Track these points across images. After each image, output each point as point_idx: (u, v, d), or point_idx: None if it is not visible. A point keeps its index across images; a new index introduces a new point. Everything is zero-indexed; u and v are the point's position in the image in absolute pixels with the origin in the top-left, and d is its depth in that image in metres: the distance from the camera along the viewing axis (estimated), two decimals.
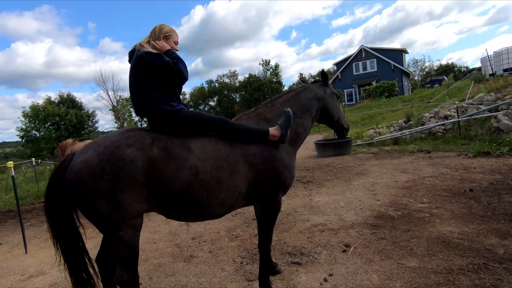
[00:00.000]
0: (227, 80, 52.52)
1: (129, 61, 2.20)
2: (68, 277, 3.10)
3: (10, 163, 3.94)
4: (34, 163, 9.50)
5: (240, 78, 51.52)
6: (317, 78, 2.92)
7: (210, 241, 3.75)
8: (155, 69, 2.04)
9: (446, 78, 29.43)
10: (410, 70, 39.48)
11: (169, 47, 2.18)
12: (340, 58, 36.01)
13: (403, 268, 2.59)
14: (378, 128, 12.15)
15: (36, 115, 28.48)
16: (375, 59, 32.29)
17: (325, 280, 2.55)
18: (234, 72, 54.04)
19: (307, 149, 11.52)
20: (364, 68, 33.07)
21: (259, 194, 2.25)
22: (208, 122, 2.14)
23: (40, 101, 30.17)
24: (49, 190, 1.93)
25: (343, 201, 4.69)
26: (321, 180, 6.37)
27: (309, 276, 2.66)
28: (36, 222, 5.77)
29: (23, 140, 29.01)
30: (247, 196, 2.22)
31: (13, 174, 4.05)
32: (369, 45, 33.99)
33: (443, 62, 55.47)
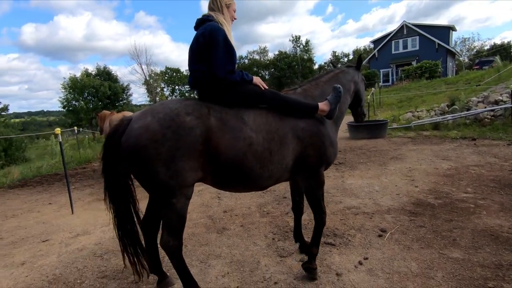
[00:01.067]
0: (257, 57, 51.57)
1: (195, 28, 2.16)
2: (112, 238, 3.34)
3: (58, 130, 4.19)
4: (76, 131, 10.13)
5: (271, 55, 50.33)
6: (349, 63, 2.98)
7: (241, 215, 3.81)
8: (219, 45, 1.99)
9: (498, 59, 26.69)
10: (457, 50, 36.13)
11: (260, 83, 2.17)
12: (378, 35, 33.72)
13: (445, 259, 2.47)
14: (417, 111, 11.42)
15: (75, 86, 30.01)
16: (417, 37, 29.84)
17: (360, 263, 2.50)
18: (264, 48, 52.72)
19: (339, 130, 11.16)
20: (405, 46, 30.76)
21: (304, 168, 2.26)
22: (260, 94, 2.15)
23: (78, 73, 31.67)
24: (105, 155, 1.99)
25: (377, 185, 4.53)
26: (354, 162, 6.18)
27: (343, 257, 2.62)
28: (79, 186, 6.21)
29: (65, 110, 30.91)
30: (292, 169, 2.24)
31: (61, 140, 4.32)
32: (412, 21, 31.36)
33: (497, 41, 50.11)
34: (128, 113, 6.75)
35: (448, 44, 29.48)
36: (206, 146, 1.86)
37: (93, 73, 33.03)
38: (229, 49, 2.05)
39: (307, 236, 2.87)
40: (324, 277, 2.35)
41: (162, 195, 1.89)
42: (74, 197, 5.22)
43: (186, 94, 49.49)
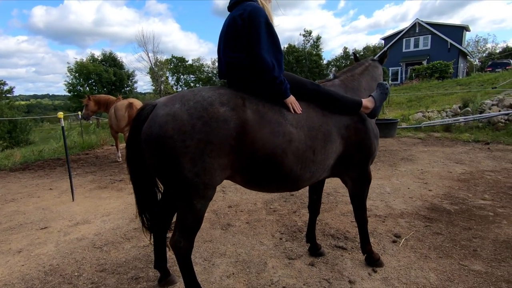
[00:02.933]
0: None
1: (229, 9, 1.93)
2: (112, 229, 3.22)
3: (61, 114, 4.04)
4: (79, 116, 9.99)
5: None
6: (373, 57, 2.89)
7: (247, 211, 3.67)
8: (261, 27, 1.74)
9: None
10: (469, 51, 35.38)
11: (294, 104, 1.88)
12: (389, 32, 33.01)
13: (466, 271, 2.30)
14: (428, 112, 11.14)
15: (80, 71, 29.87)
16: (429, 36, 29.18)
17: (374, 270, 2.35)
18: None
19: None
20: (416, 45, 30.13)
21: (349, 167, 2.12)
22: (300, 84, 1.95)
23: (85, 58, 31.44)
24: (128, 143, 1.83)
25: (389, 187, 4.35)
26: None
27: (355, 263, 2.47)
28: (81, 172, 6.10)
29: (70, 94, 30.85)
30: (333, 169, 2.09)
31: (63, 125, 4.18)
32: (425, 20, 30.64)
33: (510, 44, 48.99)
34: (134, 100, 6.57)
35: (461, 45, 28.83)
36: (240, 142, 1.66)
37: (99, 58, 32.81)
38: (274, 35, 1.80)
39: (318, 239, 2.72)
40: (337, 284, 2.20)
41: (183, 193, 1.69)
42: (76, 183, 5.11)
43: (191, 84, 49.21)
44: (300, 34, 46.57)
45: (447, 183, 4.44)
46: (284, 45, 47.49)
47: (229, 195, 4.25)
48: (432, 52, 28.71)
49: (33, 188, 5.08)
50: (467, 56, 32.31)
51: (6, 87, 43.01)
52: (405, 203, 3.72)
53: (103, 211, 3.85)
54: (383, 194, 4.06)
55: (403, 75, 29.87)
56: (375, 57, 2.78)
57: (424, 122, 9.74)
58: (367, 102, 2.10)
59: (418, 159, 5.96)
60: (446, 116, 10.13)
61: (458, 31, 29.35)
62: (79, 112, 10.58)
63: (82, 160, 7.43)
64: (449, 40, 27.85)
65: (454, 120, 9.20)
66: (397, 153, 6.59)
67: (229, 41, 1.85)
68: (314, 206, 2.60)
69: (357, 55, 2.93)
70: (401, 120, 10.65)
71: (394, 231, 2.99)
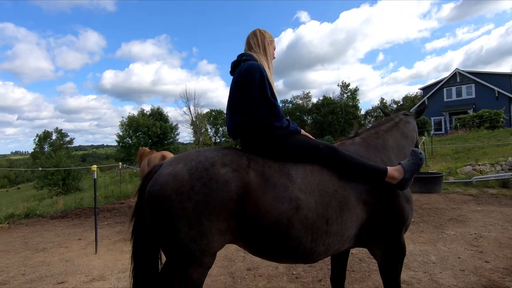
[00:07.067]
0: (300, 102, 52.54)
1: (231, 73, 1.95)
2: None
3: (94, 167, 4.29)
4: (120, 167, 10.71)
5: (315, 100, 50.98)
6: (407, 111, 2.70)
7: (266, 276, 3.33)
8: (254, 84, 1.73)
9: None
10: None
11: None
12: (430, 82, 32.26)
13: None
14: (478, 164, 10.07)
15: (130, 125, 32.98)
16: (473, 84, 27.95)
17: None
18: (307, 93, 53.87)
19: None
20: (459, 94, 28.89)
21: (377, 237, 1.83)
22: (314, 149, 1.78)
23: (135, 113, 35.00)
24: (137, 200, 1.78)
25: (434, 255, 3.74)
26: None
27: None
28: (111, 223, 6.24)
29: (119, 145, 33.79)
30: (356, 238, 1.82)
31: (95, 177, 4.42)
32: (467, 69, 29.75)
33: None
34: (167, 153, 6.89)
35: (510, 92, 27.03)
36: (241, 206, 1.54)
37: (148, 113, 36.21)
38: (268, 89, 1.74)
39: None
40: None
41: (178, 259, 1.57)
42: (103, 234, 5.19)
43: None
44: (338, 85, 47.62)
45: (509, 253, 3.70)
46: (320, 97, 48.65)
47: (249, 256, 3.95)
48: (478, 100, 27.19)
49: (64, 238, 5.24)
50: None
51: (67, 139, 48.81)
52: (455, 278, 3.11)
53: (120, 267, 3.76)
54: (427, 264, 3.48)
55: (447, 125, 28.23)
56: (411, 110, 2.58)
57: (476, 177, 8.73)
58: (394, 171, 1.80)
59: (470, 221, 5.18)
60: (502, 169, 9.03)
61: (506, 79, 27.75)
62: (120, 163, 11.33)
63: (116, 209, 7.67)
64: (496, 88, 26.36)
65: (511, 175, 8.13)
66: (444, 212, 5.83)
67: (231, 104, 1.85)
68: (338, 280, 2.25)
69: (385, 109, 2.75)
70: (448, 174, 9.71)
71: None
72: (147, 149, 7.79)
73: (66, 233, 5.58)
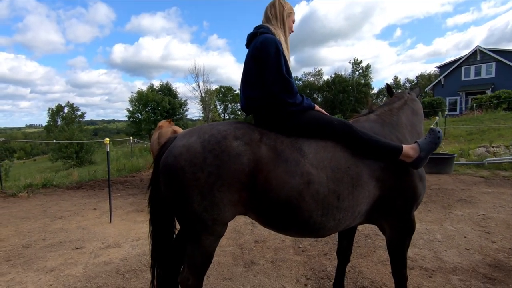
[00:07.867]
0: (311, 79, 51.42)
1: (247, 45, 1.90)
2: (138, 256, 3.24)
3: (107, 140, 4.39)
4: (131, 141, 10.91)
5: (326, 77, 49.74)
6: (408, 91, 2.53)
7: (273, 248, 3.44)
8: (270, 58, 1.69)
9: None
10: None
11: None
12: (448, 60, 30.88)
13: None
14: (492, 146, 9.85)
15: (140, 100, 33.16)
16: (493, 63, 26.64)
17: None
18: (319, 71, 52.54)
19: None
20: (477, 73, 27.67)
21: (388, 213, 1.85)
22: (327, 125, 1.76)
23: (145, 88, 35.00)
24: (153, 171, 1.83)
25: (440, 234, 3.78)
26: None
27: None
28: (124, 194, 6.47)
29: (129, 120, 34.23)
30: (367, 214, 1.84)
31: (108, 150, 4.52)
32: (488, 46, 28.24)
33: None
34: (177, 128, 6.91)
35: None
36: (252, 179, 1.57)
37: (157, 88, 36.18)
38: (283, 65, 1.70)
39: None
40: None
41: (192, 227, 1.64)
42: (116, 205, 5.39)
43: (239, 112, 51.17)
44: (350, 62, 46.20)
45: None
46: (331, 75, 47.39)
47: (257, 229, 4.07)
48: (498, 80, 26.01)
49: (80, 207, 5.48)
50: None
51: (79, 113, 49.63)
52: (460, 256, 3.15)
53: (134, 235, 3.94)
54: (432, 242, 3.52)
55: (463, 105, 27.35)
56: (409, 90, 2.52)
57: (488, 158, 8.58)
58: (410, 149, 1.77)
59: (480, 202, 5.16)
60: None
61: None
62: (130, 137, 11.52)
63: (128, 182, 7.91)
64: None
65: None
66: (453, 193, 5.81)
67: (246, 79, 1.82)
68: (344, 253, 2.31)
69: (392, 88, 2.65)
70: (459, 155, 9.55)
71: None
72: (165, 122, 7.53)
73: (82, 203, 5.83)
